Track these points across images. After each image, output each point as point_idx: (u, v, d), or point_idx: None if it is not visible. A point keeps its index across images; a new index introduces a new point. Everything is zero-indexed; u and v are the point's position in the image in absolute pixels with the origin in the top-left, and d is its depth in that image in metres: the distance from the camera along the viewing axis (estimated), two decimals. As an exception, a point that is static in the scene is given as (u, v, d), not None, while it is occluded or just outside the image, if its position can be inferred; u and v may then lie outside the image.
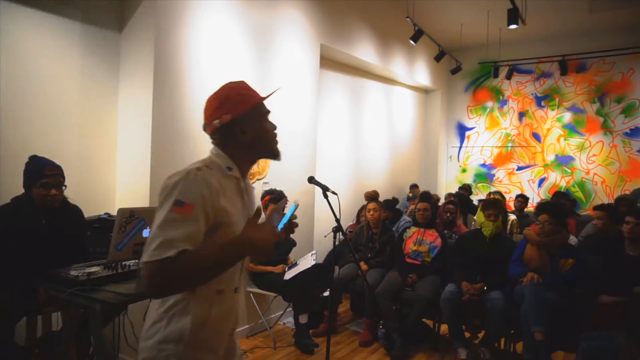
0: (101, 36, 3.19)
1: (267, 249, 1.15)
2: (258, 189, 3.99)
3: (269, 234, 1.16)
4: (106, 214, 3.01)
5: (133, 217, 2.03)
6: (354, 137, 6.14)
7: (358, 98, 6.23)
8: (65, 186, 2.52)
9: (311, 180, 2.34)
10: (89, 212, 2.87)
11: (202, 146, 3.36)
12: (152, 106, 3.09)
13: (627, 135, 7.20)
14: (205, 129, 1.37)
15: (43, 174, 2.40)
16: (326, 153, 5.46)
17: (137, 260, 2.12)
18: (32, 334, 2.44)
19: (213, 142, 1.37)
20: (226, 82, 1.41)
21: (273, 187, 3.90)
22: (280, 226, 1.30)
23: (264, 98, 1.38)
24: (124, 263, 2.29)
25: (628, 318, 2.76)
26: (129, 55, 3.24)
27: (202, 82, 3.41)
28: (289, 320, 4.18)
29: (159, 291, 1.13)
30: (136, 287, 2.06)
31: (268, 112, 1.40)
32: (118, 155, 3.32)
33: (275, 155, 1.39)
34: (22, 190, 2.46)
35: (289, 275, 3.68)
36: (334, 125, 5.71)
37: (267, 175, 4.06)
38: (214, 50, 3.51)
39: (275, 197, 3.63)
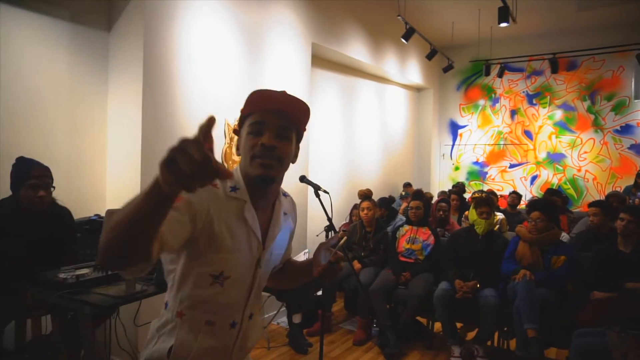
0: (90, 36, 3.15)
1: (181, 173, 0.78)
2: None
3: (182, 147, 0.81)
4: (96, 215, 2.98)
5: (122, 219, 2.00)
6: (346, 136, 6.13)
7: (351, 97, 6.23)
8: (54, 187, 2.49)
9: (303, 179, 2.32)
10: (79, 213, 2.84)
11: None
12: (142, 106, 3.06)
13: (618, 132, 7.26)
14: None
15: (30, 175, 2.37)
16: (319, 152, 5.45)
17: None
18: (21, 338, 2.40)
19: None
20: None
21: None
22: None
23: (254, 105, 1.15)
24: (114, 265, 2.26)
25: (619, 314, 2.78)
26: (118, 55, 3.21)
27: (193, 82, 3.39)
28: (283, 320, 4.17)
29: (100, 255, 0.85)
30: (127, 289, 2.04)
31: (257, 124, 1.12)
32: (108, 156, 3.29)
33: (258, 180, 1.12)
34: (10, 192, 2.43)
35: (282, 275, 3.66)
36: (326, 124, 5.70)
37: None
38: (204, 50, 3.49)
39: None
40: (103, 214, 2.87)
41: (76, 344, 2.61)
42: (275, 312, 4.23)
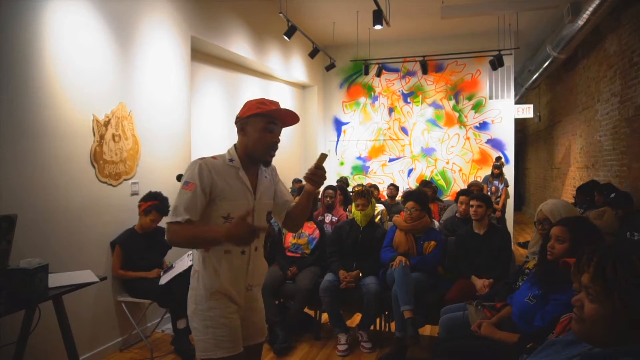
0: None
1: (240, 239, 1.52)
2: (146, 188, 3.72)
3: (239, 228, 1.50)
4: None
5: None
6: (230, 132, 5.99)
7: (235, 93, 6.11)
8: None
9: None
10: None
11: (55, 143, 2.98)
12: (-15, 99, 2.63)
13: (477, 128, 8.20)
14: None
15: None
16: (202, 149, 5.25)
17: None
18: None
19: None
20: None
21: (150, 189, 3.63)
22: None
23: (271, 110, 1.71)
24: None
25: (475, 292, 3.16)
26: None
27: (57, 78, 3.00)
28: (168, 327, 3.95)
29: (172, 242, 1.62)
30: None
31: (272, 124, 1.73)
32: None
33: (263, 162, 1.77)
34: None
35: (164, 279, 3.47)
36: (209, 121, 5.52)
37: (136, 175, 3.76)
38: (68, 42, 3.11)
39: (159, 205, 3.48)
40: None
41: None
42: (159, 319, 4.00)
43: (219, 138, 5.69)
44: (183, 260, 3.58)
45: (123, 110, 3.61)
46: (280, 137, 1.79)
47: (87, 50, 3.30)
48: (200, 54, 5.23)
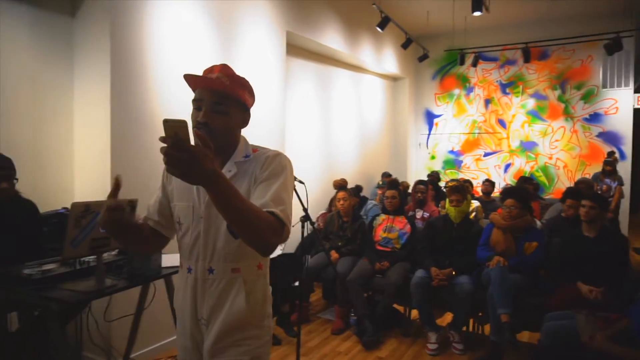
0: (52, 21, 3.01)
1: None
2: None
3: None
4: (64, 208, 2.87)
5: (88, 212, 1.93)
6: (323, 126, 6.10)
7: (327, 86, 6.18)
8: (17, 179, 2.38)
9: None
10: (45, 207, 2.74)
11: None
12: (109, 96, 2.95)
13: (587, 120, 7.45)
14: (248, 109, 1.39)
15: (-10, 167, 2.27)
16: (295, 142, 5.40)
17: (95, 257, 2.03)
18: (-15, 336, 2.31)
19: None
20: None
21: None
22: None
23: (187, 80, 1.36)
24: (82, 259, 2.19)
25: (586, 299, 2.87)
26: (83, 42, 3.08)
27: (163, 70, 3.29)
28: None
29: None
30: (96, 284, 1.97)
31: (195, 100, 1.33)
32: (75, 147, 3.17)
33: None
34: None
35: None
36: (302, 114, 5.65)
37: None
38: (175, 37, 3.39)
39: None
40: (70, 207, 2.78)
41: (45, 341, 2.53)
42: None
43: (311, 130, 5.81)
44: (275, 253, 3.72)
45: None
46: (216, 114, 1.27)
47: (192, 45, 3.54)
48: (295, 48, 5.36)
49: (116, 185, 1.21)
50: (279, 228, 1.17)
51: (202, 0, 3.60)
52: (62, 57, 3.08)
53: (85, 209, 1.92)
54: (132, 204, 2.01)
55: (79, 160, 3.16)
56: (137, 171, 3.09)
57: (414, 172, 8.70)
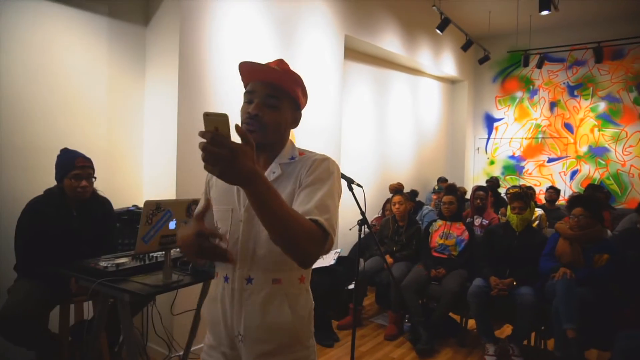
0: (127, 30, 3.23)
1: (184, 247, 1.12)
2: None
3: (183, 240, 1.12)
4: (134, 206, 3.06)
5: (159, 210, 2.04)
6: (379, 129, 6.06)
7: (383, 89, 6.14)
8: (95, 178, 2.57)
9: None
10: (117, 204, 2.93)
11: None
12: (177, 99, 3.11)
13: (667, 125, 6.88)
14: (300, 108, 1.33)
15: (74, 166, 2.46)
16: (351, 145, 5.41)
17: (163, 252, 2.15)
18: (65, 322, 2.51)
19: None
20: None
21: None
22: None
23: (240, 69, 1.35)
24: (151, 254, 2.32)
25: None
26: (155, 49, 3.28)
27: (225, 74, 3.42)
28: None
29: None
30: (163, 278, 2.08)
31: (247, 93, 1.31)
32: (145, 147, 3.37)
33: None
34: (55, 183, 2.53)
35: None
36: (358, 118, 5.65)
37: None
38: (237, 42, 3.51)
39: None
40: (141, 205, 2.96)
41: (115, 330, 2.71)
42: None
43: (366, 134, 5.80)
44: (329, 257, 3.72)
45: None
46: (268, 108, 1.21)
47: (254, 49, 3.65)
48: (352, 52, 5.37)
49: (207, 206, 1.17)
50: (321, 238, 1.06)
51: (264, 4, 3.71)
52: (135, 63, 3.29)
53: (156, 207, 2.04)
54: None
55: (147, 160, 3.36)
56: (202, 172, 3.22)
57: (472, 178, 8.43)
